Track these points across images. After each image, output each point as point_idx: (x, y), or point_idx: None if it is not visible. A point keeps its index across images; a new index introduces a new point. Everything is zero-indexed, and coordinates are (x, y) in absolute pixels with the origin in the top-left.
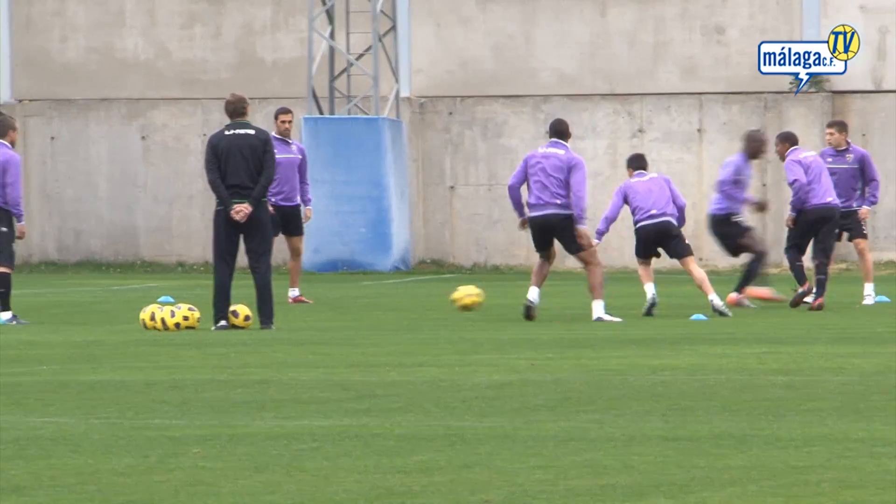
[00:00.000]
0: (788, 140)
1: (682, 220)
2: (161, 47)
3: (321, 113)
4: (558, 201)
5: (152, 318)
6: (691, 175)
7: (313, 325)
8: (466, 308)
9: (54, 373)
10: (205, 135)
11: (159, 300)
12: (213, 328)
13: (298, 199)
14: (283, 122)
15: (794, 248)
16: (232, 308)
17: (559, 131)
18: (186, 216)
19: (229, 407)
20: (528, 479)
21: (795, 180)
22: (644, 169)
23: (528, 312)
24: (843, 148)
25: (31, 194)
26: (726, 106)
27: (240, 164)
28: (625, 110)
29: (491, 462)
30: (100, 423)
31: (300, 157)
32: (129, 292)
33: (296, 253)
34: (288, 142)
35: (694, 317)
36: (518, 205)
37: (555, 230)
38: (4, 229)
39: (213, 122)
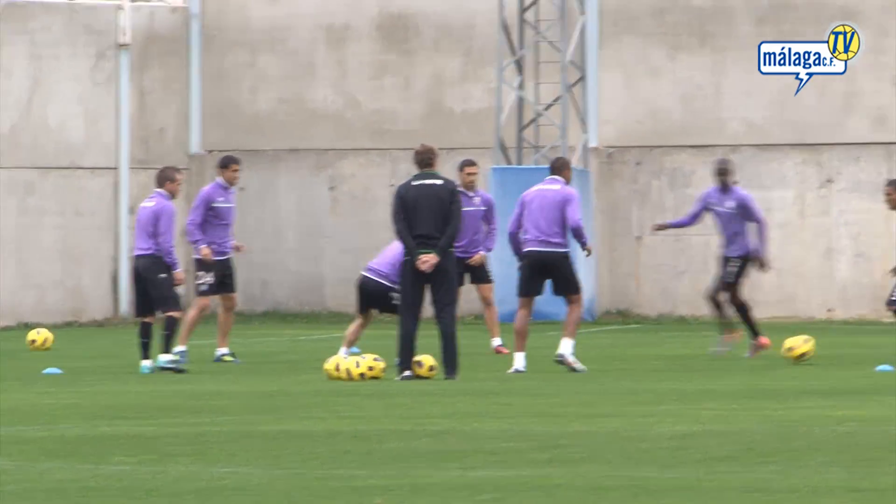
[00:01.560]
0: None
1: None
2: (350, 98)
3: (509, 163)
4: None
5: (337, 369)
6: (879, 225)
7: (496, 376)
8: (801, 358)
9: (238, 423)
10: (392, 185)
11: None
12: (397, 378)
13: (483, 251)
14: (469, 174)
15: None
16: (417, 358)
17: (555, 167)
18: None
19: (412, 457)
20: None
21: None
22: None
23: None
24: None
25: None
26: None
27: (427, 215)
28: (813, 160)
29: None
30: (283, 474)
31: (483, 208)
32: (314, 342)
33: (486, 302)
34: (470, 195)
35: (879, 367)
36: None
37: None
38: (164, 275)
39: (402, 172)
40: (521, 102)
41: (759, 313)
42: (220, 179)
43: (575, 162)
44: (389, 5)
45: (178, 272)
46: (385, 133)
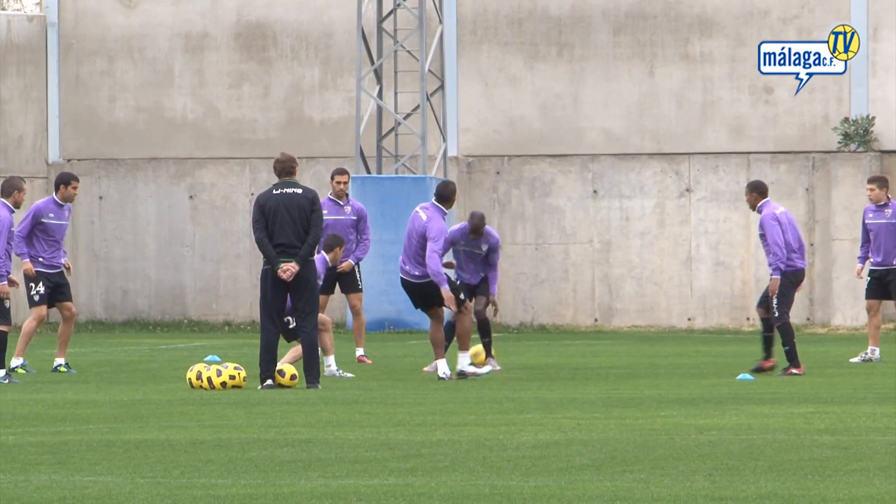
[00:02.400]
0: (758, 190)
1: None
2: (210, 107)
3: (368, 172)
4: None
5: (199, 378)
6: (738, 234)
7: (359, 385)
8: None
9: (100, 432)
10: (252, 194)
11: (206, 359)
12: (259, 387)
13: (352, 259)
14: (339, 182)
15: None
16: (278, 367)
17: (437, 194)
18: (233, 275)
19: (275, 466)
20: None
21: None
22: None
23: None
24: (883, 203)
25: (78, 254)
26: (774, 165)
27: (287, 224)
28: (672, 169)
29: None
30: (145, 483)
31: (354, 217)
32: (176, 351)
33: (355, 311)
34: (341, 203)
35: (740, 377)
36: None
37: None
38: None
39: (261, 181)
40: (380, 111)
41: (619, 322)
42: (55, 195)
43: (434, 171)
44: (247, 14)
45: (2, 285)
46: (244, 142)
